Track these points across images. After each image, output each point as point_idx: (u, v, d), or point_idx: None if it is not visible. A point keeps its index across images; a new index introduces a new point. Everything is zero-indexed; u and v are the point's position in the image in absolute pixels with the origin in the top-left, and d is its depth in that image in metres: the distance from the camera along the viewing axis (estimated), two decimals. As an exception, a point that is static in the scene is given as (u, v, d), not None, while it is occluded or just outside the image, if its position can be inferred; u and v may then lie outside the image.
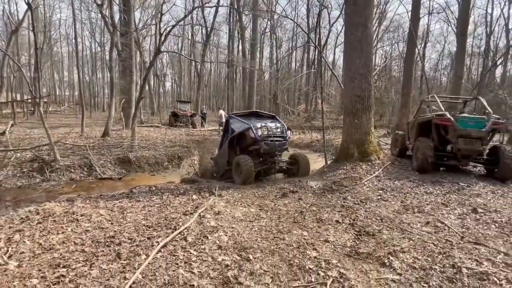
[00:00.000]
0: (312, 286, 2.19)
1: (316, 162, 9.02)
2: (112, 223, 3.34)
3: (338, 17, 29.04)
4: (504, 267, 2.45)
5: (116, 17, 13.97)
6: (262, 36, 33.61)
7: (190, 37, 34.17)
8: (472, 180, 5.17)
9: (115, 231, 3.09)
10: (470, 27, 33.46)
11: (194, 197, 4.56)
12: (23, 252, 2.60)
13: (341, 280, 2.27)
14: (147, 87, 27.42)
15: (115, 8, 13.91)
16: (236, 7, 19.60)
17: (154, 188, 5.27)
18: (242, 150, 6.61)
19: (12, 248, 2.68)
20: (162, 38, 8.43)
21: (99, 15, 24.70)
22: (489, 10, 31.62)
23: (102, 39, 38.49)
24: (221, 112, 17.35)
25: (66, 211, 3.68)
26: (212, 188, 5.10)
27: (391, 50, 37.52)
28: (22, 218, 3.44)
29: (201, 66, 26.50)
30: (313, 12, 33.05)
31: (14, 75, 20.45)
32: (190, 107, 21.37)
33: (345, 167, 6.19)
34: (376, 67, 24.57)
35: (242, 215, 3.70)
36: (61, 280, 2.15)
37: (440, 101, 6.56)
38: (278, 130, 6.41)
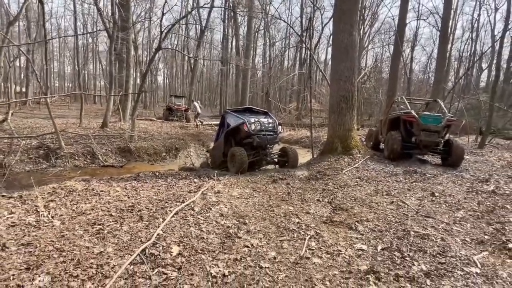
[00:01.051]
0: (294, 240, 2.87)
1: (305, 157, 9.72)
2: (129, 197, 3.95)
3: (331, 18, 29.81)
4: (442, 232, 3.17)
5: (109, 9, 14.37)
6: (256, 34, 34.20)
7: (184, 33, 34.49)
8: (438, 172, 5.95)
9: (133, 202, 3.70)
10: (458, 32, 34.73)
11: (196, 180, 5.18)
12: (62, 215, 3.19)
13: (317, 237, 2.95)
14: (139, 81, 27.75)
15: (111, 2, 14.31)
16: (231, 5, 20.10)
17: (158, 174, 5.86)
18: (236, 142, 7.21)
19: (51, 212, 3.26)
20: (163, 36, 8.95)
21: (91, 6, 24.90)
22: (476, 16, 32.80)
23: (95, 30, 38.40)
24: (195, 103, 18.51)
25: (86, 187, 4.26)
26: (210, 174, 5.73)
27: (382, 51, 38.62)
28: (49, 192, 4.00)
29: (195, 62, 26.94)
30: (307, 12, 33.87)
31: (10, 65, 20.55)
32: (184, 101, 21.85)
33: (329, 160, 6.89)
34: (366, 67, 25.49)
35: (238, 194, 4.36)
36: (101, 232, 2.77)
37: (408, 102, 7.63)
38: (270, 125, 7.04)
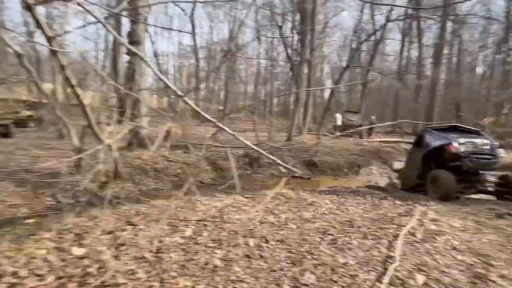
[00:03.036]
0: None
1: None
2: (341, 211, 4.16)
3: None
4: None
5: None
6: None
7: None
8: None
9: (347, 217, 3.86)
10: None
11: (397, 202, 4.91)
12: (293, 219, 3.69)
13: None
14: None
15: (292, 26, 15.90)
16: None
17: (352, 190, 5.94)
18: (438, 165, 6.40)
19: (283, 215, 3.83)
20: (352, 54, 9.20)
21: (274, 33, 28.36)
22: None
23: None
24: (337, 115, 17.94)
25: (299, 196, 4.80)
26: (411, 197, 5.33)
27: None
28: (272, 197, 4.73)
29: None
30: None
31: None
32: (358, 117, 21.49)
33: None
34: None
35: (460, 226, 3.80)
36: (335, 242, 3.01)
37: None
38: (486, 147, 5.91)
